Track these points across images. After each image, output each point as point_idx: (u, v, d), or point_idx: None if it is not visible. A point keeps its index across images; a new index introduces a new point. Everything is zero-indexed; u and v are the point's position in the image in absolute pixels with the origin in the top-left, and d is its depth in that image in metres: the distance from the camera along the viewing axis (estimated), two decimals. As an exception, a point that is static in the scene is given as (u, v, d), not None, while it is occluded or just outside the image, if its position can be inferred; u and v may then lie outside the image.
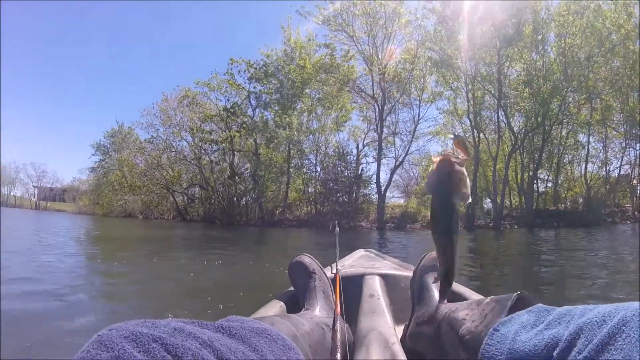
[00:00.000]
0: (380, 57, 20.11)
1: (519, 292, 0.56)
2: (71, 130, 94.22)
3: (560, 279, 3.88)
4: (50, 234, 9.29)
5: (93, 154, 32.09)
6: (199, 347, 0.39)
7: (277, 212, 20.97)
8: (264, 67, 21.78)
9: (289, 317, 0.70)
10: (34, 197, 48.38)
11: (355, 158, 22.06)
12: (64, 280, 3.31)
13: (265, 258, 5.76)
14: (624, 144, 19.01)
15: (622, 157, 19.24)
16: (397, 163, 21.72)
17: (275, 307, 1.06)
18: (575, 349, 0.35)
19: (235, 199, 21.41)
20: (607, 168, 19.70)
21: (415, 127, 20.96)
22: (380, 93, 20.09)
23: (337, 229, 1.29)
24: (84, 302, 2.68)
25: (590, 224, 14.90)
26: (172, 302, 2.73)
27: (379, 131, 21.01)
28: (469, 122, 19.46)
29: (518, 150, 19.31)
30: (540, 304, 0.49)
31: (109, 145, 30.38)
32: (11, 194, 49.25)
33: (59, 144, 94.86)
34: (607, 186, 19.00)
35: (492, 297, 0.64)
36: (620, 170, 19.21)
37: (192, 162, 23.22)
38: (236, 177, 21.24)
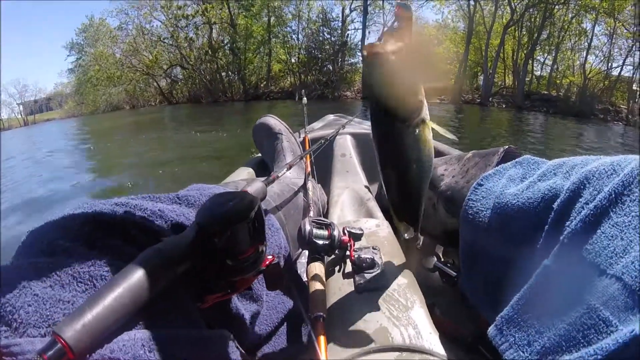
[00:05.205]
0: None
1: (507, 146, 0.49)
2: (43, 36, 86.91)
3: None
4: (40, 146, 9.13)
5: (68, 55, 30.49)
6: (142, 219, 0.37)
7: (261, 85, 20.67)
8: None
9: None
10: (21, 114, 47.58)
11: (340, 24, 20.93)
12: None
13: (246, 129, 5.66)
14: (631, 44, 16.86)
15: (626, 57, 17.36)
16: (385, 29, 20.67)
17: (242, 174, 1.00)
18: (581, 199, 0.31)
19: (217, 75, 20.88)
20: (610, 64, 18.15)
21: (405, -13, 19.48)
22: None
23: (305, 98, 1.35)
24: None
25: (581, 116, 14.36)
26: (150, 174, 3.00)
27: (363, -8, 19.56)
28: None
29: (516, 26, 18.02)
30: (529, 155, 0.43)
31: (82, 42, 28.69)
32: (-3, 119, 48.36)
33: (33, 54, 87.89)
34: (606, 82, 17.79)
35: (474, 151, 0.55)
36: (622, 70, 17.64)
37: (168, 41, 22.14)
38: (217, 53, 20.43)
